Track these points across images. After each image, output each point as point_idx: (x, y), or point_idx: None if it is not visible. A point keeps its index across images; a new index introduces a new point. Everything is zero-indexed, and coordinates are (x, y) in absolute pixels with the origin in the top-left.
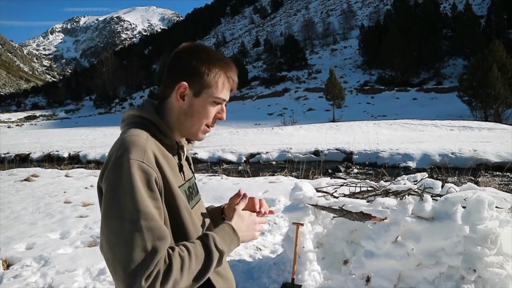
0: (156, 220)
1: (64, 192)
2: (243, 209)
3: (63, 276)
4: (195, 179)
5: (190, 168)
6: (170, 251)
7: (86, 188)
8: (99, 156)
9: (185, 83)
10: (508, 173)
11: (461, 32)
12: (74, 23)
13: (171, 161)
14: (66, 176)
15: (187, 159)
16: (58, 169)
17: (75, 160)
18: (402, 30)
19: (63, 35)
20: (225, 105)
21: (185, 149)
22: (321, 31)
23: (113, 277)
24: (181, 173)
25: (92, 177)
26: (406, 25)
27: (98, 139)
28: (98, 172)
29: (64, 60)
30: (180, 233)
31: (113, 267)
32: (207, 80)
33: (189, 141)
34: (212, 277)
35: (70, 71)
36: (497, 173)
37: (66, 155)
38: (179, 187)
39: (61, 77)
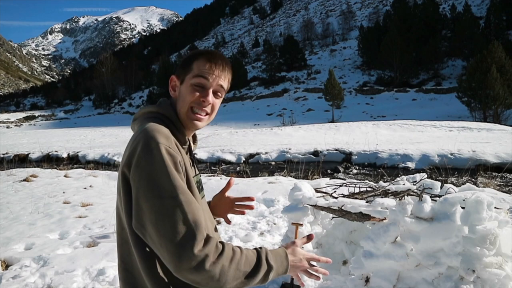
0: (190, 197)
1: (63, 193)
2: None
3: (62, 277)
4: (200, 176)
5: (197, 166)
6: (224, 241)
7: (85, 188)
8: (98, 156)
9: (173, 76)
10: (507, 174)
11: (460, 33)
12: (73, 23)
13: (185, 154)
14: (65, 176)
15: (194, 157)
16: (57, 169)
17: (74, 161)
18: (402, 31)
19: (62, 35)
20: (220, 96)
21: (193, 147)
22: (320, 31)
23: (162, 255)
24: (193, 167)
25: (91, 177)
26: (406, 26)
27: (97, 139)
28: (98, 172)
29: (63, 60)
30: None
31: (159, 244)
32: (189, 68)
33: (194, 141)
34: None
35: (69, 71)
36: (496, 174)
37: (65, 155)
38: (193, 176)
39: (60, 77)
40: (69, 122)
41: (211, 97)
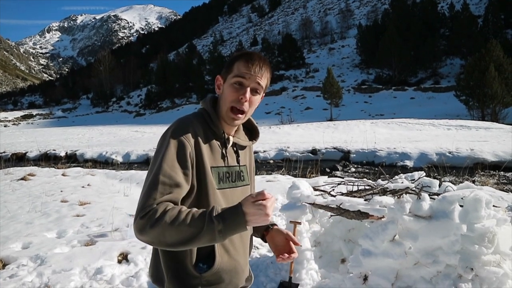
0: (172, 179)
1: (61, 191)
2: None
3: (60, 276)
4: (239, 169)
5: (237, 159)
6: (173, 205)
7: (83, 187)
8: (96, 155)
9: (219, 75)
10: (505, 172)
11: (459, 31)
12: (71, 22)
13: (213, 145)
14: (63, 175)
15: (236, 151)
16: (54, 168)
17: (72, 159)
18: (400, 29)
19: (60, 34)
20: (259, 93)
21: (231, 140)
22: (318, 30)
23: None
24: (224, 159)
25: (89, 176)
26: (404, 24)
27: (95, 138)
28: (96, 171)
29: (61, 59)
30: (202, 202)
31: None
32: (230, 69)
33: (251, 139)
34: (217, 249)
35: (67, 69)
36: (494, 172)
37: (63, 154)
38: (213, 167)
39: (58, 76)
40: (67, 121)
41: (248, 94)
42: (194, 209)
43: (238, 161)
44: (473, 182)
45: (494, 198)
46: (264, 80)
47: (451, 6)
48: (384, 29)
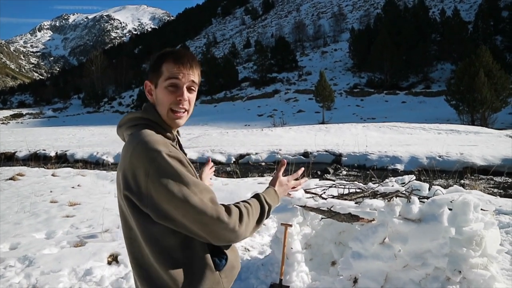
0: (198, 181)
1: (50, 192)
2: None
3: (48, 277)
4: None
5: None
6: (237, 204)
7: (73, 187)
8: (87, 155)
9: (147, 81)
10: (493, 176)
11: (450, 37)
12: (63, 21)
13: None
14: (53, 175)
15: (181, 148)
16: (44, 168)
17: (62, 159)
18: (392, 34)
19: (52, 33)
20: (193, 90)
21: (180, 140)
22: (311, 33)
23: (200, 237)
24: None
25: (79, 176)
26: (396, 29)
27: (86, 138)
28: (86, 171)
29: (52, 58)
30: None
31: (194, 231)
32: (159, 72)
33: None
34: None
35: (58, 69)
36: (483, 176)
37: (53, 154)
38: None
39: (49, 75)
40: (57, 121)
41: (186, 94)
42: (248, 200)
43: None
44: (463, 186)
45: (482, 201)
46: (196, 76)
47: (442, 12)
48: (376, 34)
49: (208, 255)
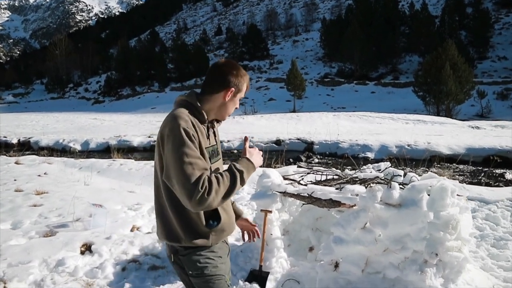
0: (196, 158)
1: (15, 180)
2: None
3: (16, 269)
4: (217, 146)
5: (215, 139)
6: (210, 175)
7: (39, 175)
8: (52, 142)
9: (233, 89)
10: (458, 165)
11: (418, 30)
12: (23, 1)
13: (202, 130)
14: (16, 163)
15: (214, 133)
16: (6, 156)
17: (26, 147)
18: (363, 25)
19: (10, 13)
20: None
21: (214, 125)
22: (283, 22)
23: (180, 197)
24: (208, 139)
25: (45, 164)
26: (367, 20)
27: (51, 125)
28: (53, 159)
29: (11, 40)
30: None
31: (177, 189)
32: (240, 88)
33: (217, 121)
34: (220, 210)
35: (18, 52)
36: (449, 164)
37: (15, 141)
38: (206, 147)
39: (8, 59)
40: (18, 107)
41: None
42: (223, 172)
43: (215, 140)
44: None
45: (458, 187)
46: None
47: (411, 5)
48: (347, 24)
49: (201, 219)
